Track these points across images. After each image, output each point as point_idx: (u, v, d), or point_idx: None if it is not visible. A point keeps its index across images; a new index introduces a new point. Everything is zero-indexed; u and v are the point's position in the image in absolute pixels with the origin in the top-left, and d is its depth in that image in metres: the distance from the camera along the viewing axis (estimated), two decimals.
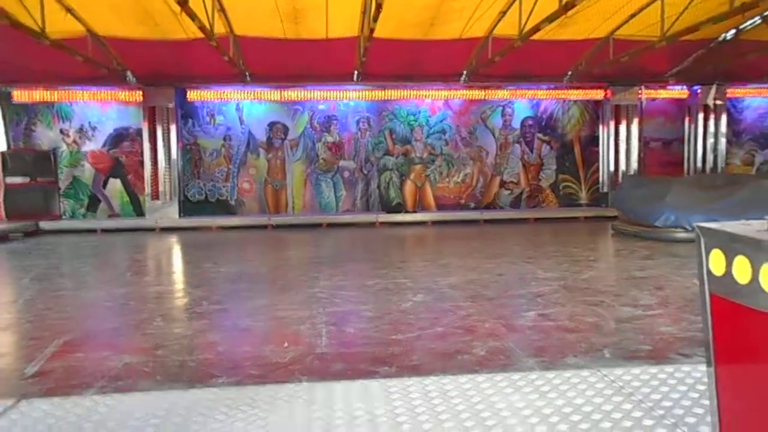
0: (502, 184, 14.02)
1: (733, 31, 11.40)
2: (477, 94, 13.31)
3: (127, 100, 12.63)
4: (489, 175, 13.97)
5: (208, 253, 8.92)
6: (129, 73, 11.87)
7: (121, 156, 13.12)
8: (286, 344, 3.96)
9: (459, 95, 13.38)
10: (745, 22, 10.89)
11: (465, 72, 12.39)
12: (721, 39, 11.68)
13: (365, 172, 13.66)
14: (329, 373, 3.37)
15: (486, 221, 12.89)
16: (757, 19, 10.72)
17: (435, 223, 12.86)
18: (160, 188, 12.60)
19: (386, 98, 13.22)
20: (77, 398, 2.88)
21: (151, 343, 4.05)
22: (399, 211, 13.35)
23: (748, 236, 1.67)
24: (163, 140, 12.53)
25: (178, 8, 7.47)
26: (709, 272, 1.84)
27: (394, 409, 2.61)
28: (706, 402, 2.45)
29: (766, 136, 14.57)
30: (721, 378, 1.83)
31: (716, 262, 1.79)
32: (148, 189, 12.65)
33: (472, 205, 13.90)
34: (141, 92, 12.37)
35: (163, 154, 12.55)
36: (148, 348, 3.95)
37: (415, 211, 13.52)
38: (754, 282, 1.61)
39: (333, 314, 4.81)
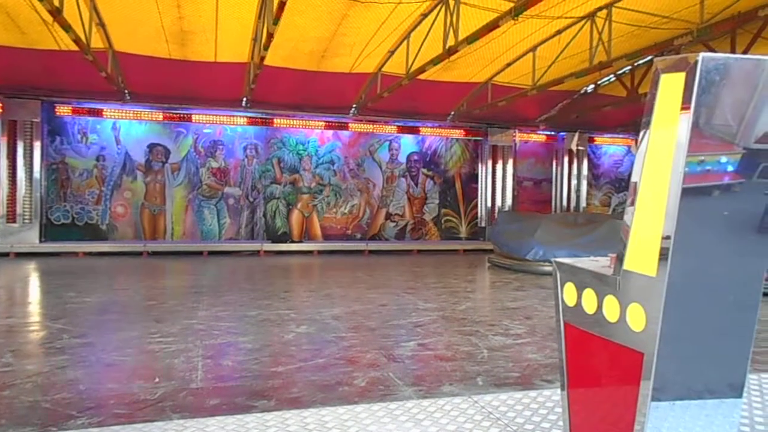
0: (388, 216, 14.38)
1: (592, 86, 12.80)
2: (365, 127, 13.66)
3: None
4: (375, 207, 14.28)
5: (72, 281, 8.18)
6: None
7: None
8: (157, 380, 3.72)
9: (348, 127, 13.64)
10: (602, 78, 12.28)
11: (354, 105, 12.70)
12: (582, 92, 13.05)
13: (251, 199, 13.38)
14: (204, 409, 3.21)
15: (371, 252, 13.12)
16: (612, 77, 12.14)
17: (321, 252, 12.85)
18: (18, 210, 11.43)
19: (275, 126, 13.15)
20: None
21: None
22: (285, 241, 13.18)
23: (595, 271, 1.88)
24: (25, 157, 11.44)
25: (49, 17, 6.97)
26: (563, 303, 2.03)
27: None
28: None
29: (620, 180, 16.34)
30: (572, 400, 2.01)
31: (569, 293, 1.99)
32: (3, 210, 11.41)
33: (359, 235, 14.09)
34: (0, 103, 11.26)
35: (23, 172, 11.44)
36: None
37: (301, 241, 13.43)
38: (599, 312, 1.81)
39: (210, 347, 4.61)
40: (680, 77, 1.52)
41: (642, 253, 1.64)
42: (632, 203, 1.68)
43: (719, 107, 1.55)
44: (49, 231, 11.96)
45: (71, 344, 4.65)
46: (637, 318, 1.64)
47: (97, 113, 12.00)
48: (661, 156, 1.61)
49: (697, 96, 1.50)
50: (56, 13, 6.60)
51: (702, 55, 1.47)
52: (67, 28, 7.09)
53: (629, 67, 11.45)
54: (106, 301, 6.83)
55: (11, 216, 11.41)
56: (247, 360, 4.26)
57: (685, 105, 1.53)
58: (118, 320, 5.70)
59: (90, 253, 11.55)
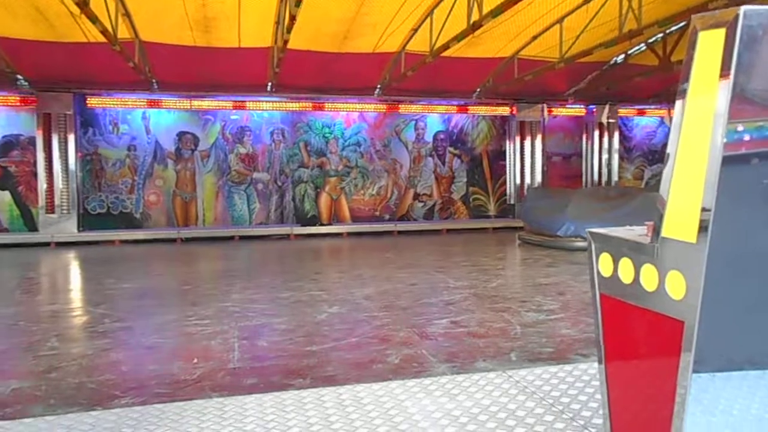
0: (416, 196, 14.33)
1: (622, 56, 12.41)
2: (391, 107, 13.57)
3: (19, 105, 11.72)
4: (403, 188, 14.23)
5: (110, 269, 8.41)
6: (20, 77, 11.03)
7: (11, 166, 12.11)
8: (195, 360, 3.81)
9: (373, 109, 13.57)
10: (633, 47, 11.91)
11: (379, 86, 12.61)
12: (612, 62, 12.68)
13: (280, 184, 13.48)
14: (241, 388, 3.29)
15: (400, 232, 13.12)
16: (643, 46, 11.76)
17: (350, 234, 12.91)
18: (56, 201, 11.75)
19: (301, 110, 13.17)
20: None
21: (44, 366, 3.76)
22: (314, 224, 13.28)
23: (631, 239, 1.83)
24: (60, 149, 11.72)
25: (76, 9, 7.06)
26: (599, 274, 1.99)
27: (308, 420, 2.59)
28: (600, 396, 2.63)
29: (653, 152, 15.92)
30: (610, 373, 1.98)
31: (605, 264, 1.95)
32: (42, 202, 11.75)
33: (387, 216, 14.08)
34: (34, 97, 11.53)
35: (59, 164, 11.73)
36: (41, 371, 3.67)
37: (330, 224, 13.50)
38: (636, 281, 1.77)
39: (245, 328, 4.70)
40: (720, 34, 1.45)
41: (681, 219, 1.59)
42: (670, 170, 1.63)
43: (763, 66, 1.47)
44: (86, 220, 12.28)
45: (112, 328, 4.80)
46: (676, 286, 1.60)
47: (127, 103, 12.20)
48: (699, 118, 1.55)
49: (739, 53, 1.42)
50: (83, 4, 6.68)
51: (744, 8, 1.39)
52: (94, 19, 7.18)
53: (661, 35, 11.05)
54: (143, 286, 7.01)
55: (50, 207, 11.74)
56: (281, 340, 4.33)
57: (726, 64, 1.46)
58: (156, 305, 5.85)
59: (126, 241, 11.84)
